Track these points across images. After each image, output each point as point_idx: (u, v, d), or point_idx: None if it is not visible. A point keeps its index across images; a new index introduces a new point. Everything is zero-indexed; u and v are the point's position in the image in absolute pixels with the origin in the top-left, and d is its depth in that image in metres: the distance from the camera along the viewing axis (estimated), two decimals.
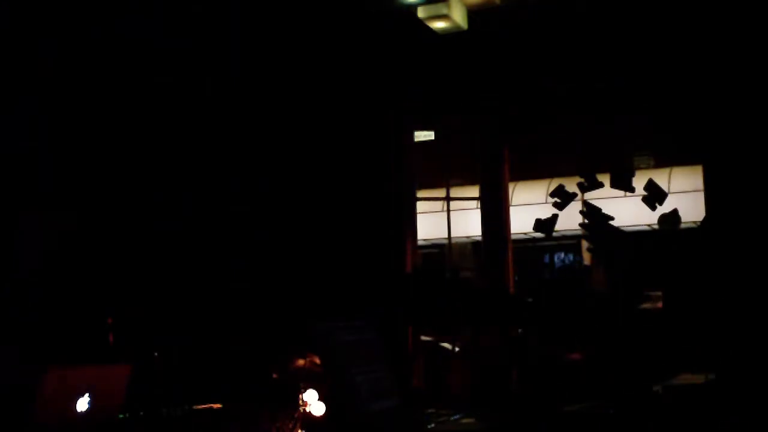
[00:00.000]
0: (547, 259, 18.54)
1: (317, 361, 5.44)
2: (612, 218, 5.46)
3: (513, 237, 9.79)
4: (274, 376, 5.95)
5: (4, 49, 6.60)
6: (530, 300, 6.04)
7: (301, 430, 5.19)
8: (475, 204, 10.77)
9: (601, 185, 5.49)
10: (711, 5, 6.94)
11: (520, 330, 7.41)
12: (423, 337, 9.36)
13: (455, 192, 12.10)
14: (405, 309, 7.12)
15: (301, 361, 5.78)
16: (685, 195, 12.44)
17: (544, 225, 5.61)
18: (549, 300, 5.69)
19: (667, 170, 15.57)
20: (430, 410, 5.37)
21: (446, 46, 8.07)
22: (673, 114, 7.74)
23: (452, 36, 7.87)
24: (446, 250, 11.65)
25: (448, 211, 10.62)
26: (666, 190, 5.45)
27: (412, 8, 7.64)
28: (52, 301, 5.26)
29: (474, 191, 10.54)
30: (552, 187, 6.38)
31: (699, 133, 7.37)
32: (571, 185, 5.68)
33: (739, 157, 6.75)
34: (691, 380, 5.38)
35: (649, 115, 8.75)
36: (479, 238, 9.88)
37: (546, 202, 14.62)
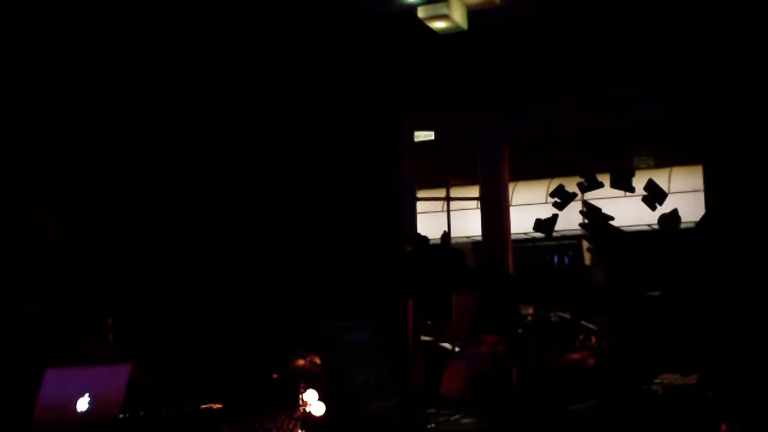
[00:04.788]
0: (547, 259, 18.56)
1: (317, 361, 5.44)
2: (612, 218, 5.46)
3: (513, 237, 9.80)
4: (274, 376, 5.95)
5: (4, 49, 6.60)
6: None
7: (301, 430, 5.19)
8: (475, 204, 10.78)
9: (601, 185, 5.48)
10: (710, 5, 6.94)
11: (520, 330, 7.41)
12: (423, 337, 9.36)
13: (455, 192, 12.12)
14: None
15: (301, 361, 5.78)
16: (685, 195, 12.45)
17: (544, 225, 5.60)
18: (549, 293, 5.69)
19: (667, 170, 15.61)
20: (430, 410, 5.37)
21: (446, 46, 8.07)
22: (674, 114, 7.74)
23: (452, 36, 7.87)
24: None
25: (448, 211, 10.64)
26: (666, 190, 5.44)
27: (412, 8, 7.64)
28: (52, 300, 5.26)
29: (474, 191, 10.54)
30: (552, 187, 6.38)
31: (700, 132, 7.38)
32: (571, 185, 5.67)
33: (739, 157, 6.75)
34: (687, 381, 5.37)
35: (651, 114, 8.76)
36: (479, 238, 9.88)
37: (546, 202, 14.64)
